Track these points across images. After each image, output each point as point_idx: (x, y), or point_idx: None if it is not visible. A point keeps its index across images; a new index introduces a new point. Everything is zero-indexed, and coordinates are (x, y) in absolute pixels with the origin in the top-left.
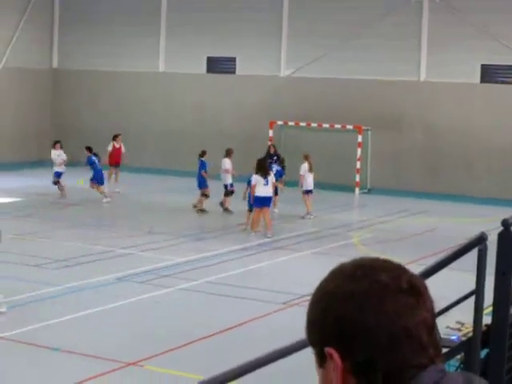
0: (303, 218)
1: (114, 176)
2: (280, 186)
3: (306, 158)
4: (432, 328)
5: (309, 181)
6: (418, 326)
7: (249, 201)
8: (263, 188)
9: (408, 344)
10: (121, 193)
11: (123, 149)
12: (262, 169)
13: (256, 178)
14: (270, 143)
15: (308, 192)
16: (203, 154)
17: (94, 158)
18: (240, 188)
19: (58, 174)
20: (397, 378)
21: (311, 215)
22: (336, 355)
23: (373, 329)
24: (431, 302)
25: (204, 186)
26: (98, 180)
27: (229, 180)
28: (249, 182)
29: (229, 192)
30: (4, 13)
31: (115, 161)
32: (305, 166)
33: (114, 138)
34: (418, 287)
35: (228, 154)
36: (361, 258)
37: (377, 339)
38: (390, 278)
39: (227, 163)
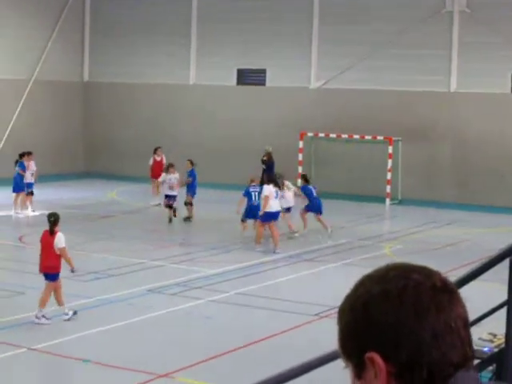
0: (290, 236)
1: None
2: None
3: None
4: (467, 323)
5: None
6: (456, 320)
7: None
8: (274, 202)
9: (449, 339)
10: (162, 205)
11: (165, 161)
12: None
13: (269, 189)
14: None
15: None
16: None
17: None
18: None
19: (30, 185)
20: (437, 376)
21: (295, 233)
22: (378, 358)
23: (415, 325)
24: (462, 299)
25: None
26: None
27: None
28: (248, 194)
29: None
30: (36, 25)
31: (158, 174)
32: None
33: (155, 151)
34: (450, 285)
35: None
36: (387, 263)
37: (420, 335)
38: (423, 277)
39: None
